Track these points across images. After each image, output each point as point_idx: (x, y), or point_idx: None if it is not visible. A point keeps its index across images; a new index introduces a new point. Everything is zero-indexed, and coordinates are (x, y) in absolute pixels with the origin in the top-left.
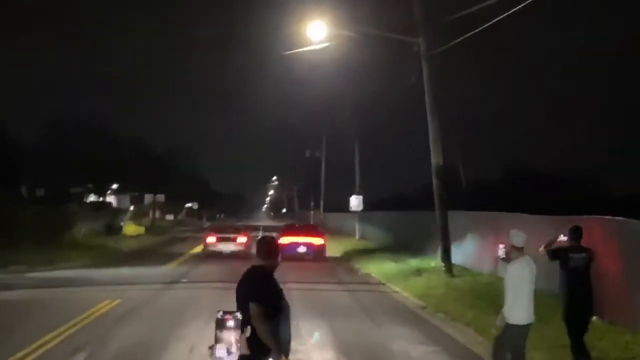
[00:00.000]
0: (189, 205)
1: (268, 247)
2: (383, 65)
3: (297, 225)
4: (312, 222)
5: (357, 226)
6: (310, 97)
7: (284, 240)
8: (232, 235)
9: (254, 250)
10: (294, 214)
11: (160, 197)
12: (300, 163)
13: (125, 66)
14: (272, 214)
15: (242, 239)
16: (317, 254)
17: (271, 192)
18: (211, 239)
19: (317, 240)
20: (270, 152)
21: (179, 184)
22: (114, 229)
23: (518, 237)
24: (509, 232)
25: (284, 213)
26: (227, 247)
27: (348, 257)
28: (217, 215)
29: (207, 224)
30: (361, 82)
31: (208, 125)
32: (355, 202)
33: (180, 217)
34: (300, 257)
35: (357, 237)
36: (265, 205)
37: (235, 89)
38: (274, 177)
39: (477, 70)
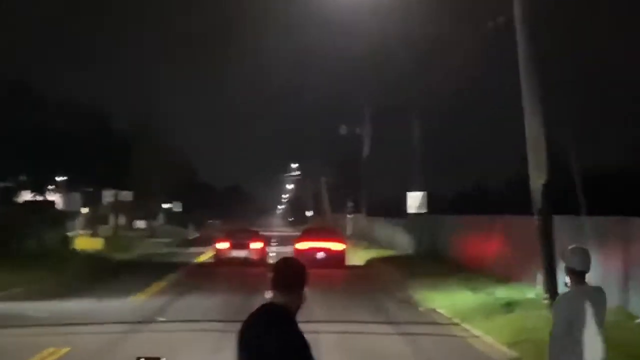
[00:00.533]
0: (167, 206)
1: (292, 275)
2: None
3: (315, 228)
4: (350, 231)
5: (410, 236)
6: (346, 52)
7: (300, 245)
8: (245, 241)
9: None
10: (324, 219)
11: (126, 195)
12: (331, 146)
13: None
14: (291, 218)
15: (256, 245)
16: (337, 261)
17: (289, 187)
18: (223, 245)
19: (337, 246)
20: (286, 132)
21: (153, 176)
22: (63, 242)
23: (579, 258)
24: (566, 250)
25: (309, 217)
26: (239, 254)
27: (402, 281)
28: (209, 222)
29: (194, 235)
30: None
31: (198, 98)
32: (415, 200)
33: (156, 223)
34: (320, 265)
35: (412, 251)
36: (280, 207)
37: (237, 45)
38: (294, 166)
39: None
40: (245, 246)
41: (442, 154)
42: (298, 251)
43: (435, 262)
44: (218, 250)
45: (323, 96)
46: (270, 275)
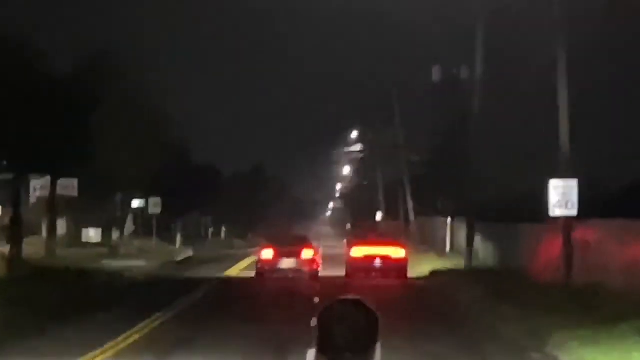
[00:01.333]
0: (137, 205)
1: (362, 332)
2: None
3: (370, 233)
4: (450, 246)
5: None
6: None
7: (356, 252)
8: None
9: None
10: (407, 227)
11: (70, 187)
12: (414, 104)
13: None
14: (350, 224)
15: (307, 253)
16: (397, 271)
17: (345, 172)
18: (267, 254)
19: (397, 252)
20: (334, 91)
21: (117, 155)
22: None
23: None
24: None
25: (378, 223)
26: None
27: (545, 329)
28: (208, 231)
29: (185, 253)
30: None
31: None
32: (561, 195)
33: (124, 233)
34: (376, 276)
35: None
36: (330, 207)
37: None
38: (354, 136)
39: None
40: (294, 254)
41: (600, 122)
42: (352, 260)
43: (590, 295)
44: (261, 262)
45: (395, 22)
46: (314, 326)
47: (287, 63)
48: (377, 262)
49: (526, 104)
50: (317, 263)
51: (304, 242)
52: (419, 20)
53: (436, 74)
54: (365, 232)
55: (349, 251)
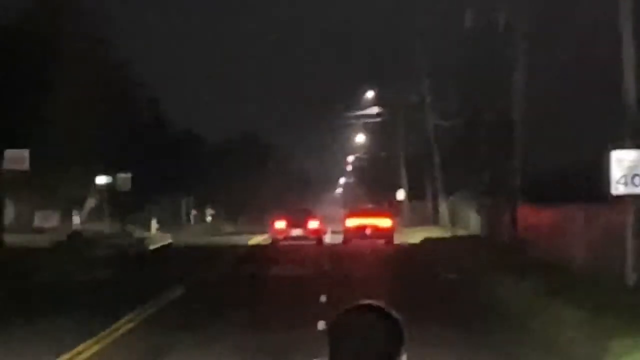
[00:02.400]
0: (103, 181)
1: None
2: None
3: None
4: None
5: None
6: None
7: (351, 222)
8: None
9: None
10: (435, 208)
11: (18, 158)
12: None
13: None
14: (368, 206)
15: (313, 224)
16: (385, 237)
17: (359, 140)
18: (280, 224)
19: (384, 222)
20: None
21: (70, 117)
22: None
23: None
24: None
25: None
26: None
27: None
28: (190, 213)
29: (163, 239)
30: None
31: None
32: (627, 169)
33: (80, 218)
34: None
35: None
36: (341, 183)
37: None
38: (368, 95)
39: None
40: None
41: None
42: (349, 230)
43: None
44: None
45: None
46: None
47: (286, 17)
48: (368, 230)
49: (580, 57)
50: (321, 231)
51: (310, 214)
52: None
53: (469, 19)
54: (358, 207)
55: (345, 222)
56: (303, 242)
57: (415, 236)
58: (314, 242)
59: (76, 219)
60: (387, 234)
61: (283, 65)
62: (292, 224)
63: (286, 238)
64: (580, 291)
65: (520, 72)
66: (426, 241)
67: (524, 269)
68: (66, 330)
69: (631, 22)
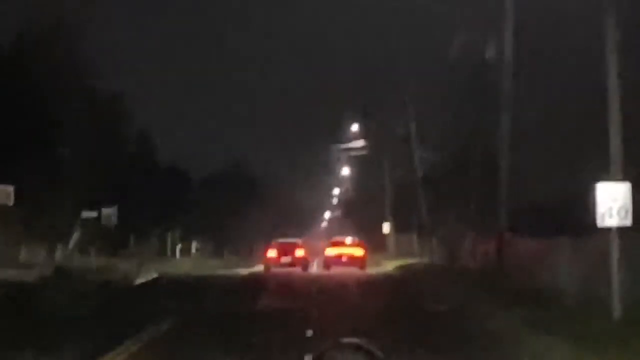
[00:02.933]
0: (88, 215)
1: None
2: None
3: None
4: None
5: None
6: None
7: (330, 251)
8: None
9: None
10: (424, 240)
11: (2, 193)
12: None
13: None
14: (350, 238)
15: (299, 252)
16: (358, 264)
17: (345, 173)
18: (272, 252)
19: (358, 252)
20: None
21: (58, 151)
22: None
23: None
24: None
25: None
26: (285, 260)
27: None
28: (176, 247)
29: (147, 274)
30: None
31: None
32: (615, 198)
33: (69, 250)
34: (342, 266)
35: None
36: (327, 217)
37: None
38: (354, 129)
39: None
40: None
41: None
42: (327, 258)
43: None
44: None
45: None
46: None
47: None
48: (344, 258)
49: (566, 89)
50: (307, 259)
51: (297, 245)
52: None
53: (455, 51)
54: (336, 239)
55: (325, 251)
56: (290, 269)
57: (392, 265)
58: (300, 268)
59: (62, 254)
60: (360, 261)
61: (269, 97)
62: (282, 253)
63: (277, 265)
64: (566, 323)
65: (507, 105)
66: (407, 270)
67: (510, 300)
68: None
69: (616, 55)
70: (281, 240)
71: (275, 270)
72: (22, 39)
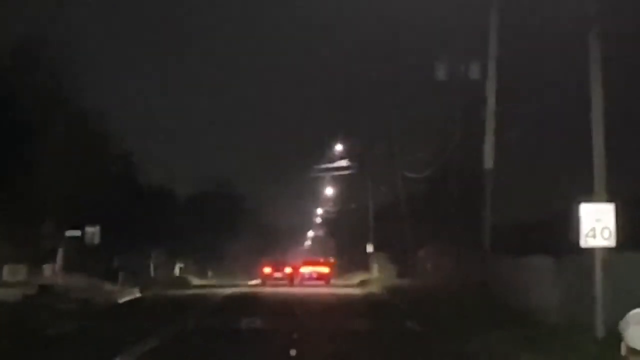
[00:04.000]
0: (72, 234)
1: None
2: None
3: (311, 260)
4: None
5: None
6: None
7: (304, 269)
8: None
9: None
10: (408, 261)
11: None
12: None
13: None
14: (329, 258)
15: (288, 270)
16: (324, 279)
17: (328, 193)
18: (267, 269)
19: (324, 269)
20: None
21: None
22: None
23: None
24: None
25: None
26: (277, 275)
27: None
28: (159, 267)
29: (130, 293)
30: None
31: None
32: (597, 219)
33: (48, 272)
34: (312, 280)
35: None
36: (310, 236)
37: None
38: (337, 148)
39: None
40: (281, 270)
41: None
42: (301, 274)
43: None
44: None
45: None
46: None
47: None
48: (314, 274)
49: (550, 111)
50: (293, 274)
51: (285, 263)
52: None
53: (440, 71)
54: (308, 259)
55: (300, 268)
56: (280, 282)
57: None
58: (287, 281)
59: (45, 273)
60: (326, 276)
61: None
62: (275, 270)
63: (271, 279)
64: (549, 343)
65: (491, 124)
66: (390, 290)
67: (493, 319)
68: None
69: (600, 78)
70: (272, 259)
71: (270, 282)
72: (4, 57)
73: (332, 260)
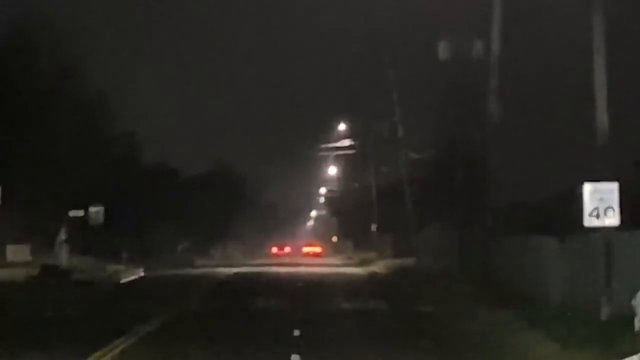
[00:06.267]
0: (75, 213)
1: None
2: None
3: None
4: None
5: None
6: None
7: (305, 249)
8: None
9: None
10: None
11: None
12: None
13: None
14: (334, 238)
15: (287, 249)
16: (317, 256)
17: (331, 172)
18: (275, 249)
19: (318, 248)
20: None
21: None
22: None
23: None
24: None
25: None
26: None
27: None
28: (163, 247)
29: (133, 273)
30: None
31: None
32: (601, 199)
33: (53, 252)
34: (310, 257)
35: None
36: (313, 216)
37: None
38: (340, 127)
39: None
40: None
41: None
42: (304, 253)
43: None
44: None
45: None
46: None
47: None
48: (310, 252)
49: (554, 91)
50: (292, 253)
51: (290, 245)
52: None
53: (444, 51)
54: (307, 243)
55: (302, 249)
56: (286, 258)
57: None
58: (290, 256)
59: (48, 253)
60: (319, 254)
61: (258, 96)
62: (280, 249)
63: (279, 256)
64: (554, 324)
65: (494, 104)
66: (393, 270)
67: (497, 300)
68: None
69: (604, 57)
70: (278, 241)
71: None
72: (5, 39)
73: (323, 244)
